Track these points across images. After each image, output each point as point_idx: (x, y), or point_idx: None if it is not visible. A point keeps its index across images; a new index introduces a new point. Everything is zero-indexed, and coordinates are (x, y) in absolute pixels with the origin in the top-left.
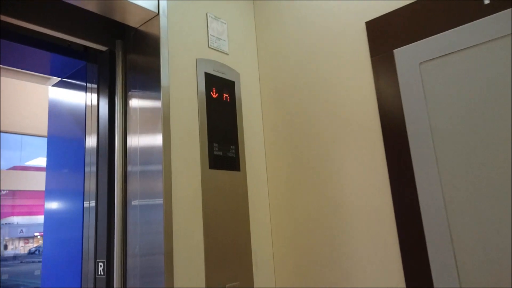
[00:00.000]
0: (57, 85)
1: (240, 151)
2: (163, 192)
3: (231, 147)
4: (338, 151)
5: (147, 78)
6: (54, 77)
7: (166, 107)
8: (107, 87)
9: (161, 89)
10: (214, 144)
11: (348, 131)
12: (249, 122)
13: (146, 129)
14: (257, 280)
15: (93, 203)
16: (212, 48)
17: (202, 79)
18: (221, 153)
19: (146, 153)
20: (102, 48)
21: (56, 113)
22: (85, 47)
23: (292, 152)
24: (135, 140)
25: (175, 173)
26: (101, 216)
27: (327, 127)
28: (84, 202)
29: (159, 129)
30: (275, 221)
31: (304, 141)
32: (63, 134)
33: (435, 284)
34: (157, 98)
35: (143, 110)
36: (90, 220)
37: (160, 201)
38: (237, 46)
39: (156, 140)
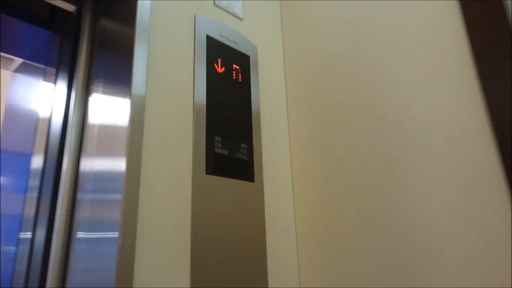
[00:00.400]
0: (18, 70)
1: (255, 152)
2: (121, 225)
3: (242, 145)
4: (411, 161)
5: (117, 60)
6: (16, 57)
7: (137, 112)
8: (66, 74)
9: (133, 82)
10: (216, 138)
11: (426, 129)
12: (269, 113)
13: (106, 148)
14: None
15: (29, 234)
16: (219, 7)
17: (203, 44)
18: (226, 153)
19: (103, 178)
20: (69, 7)
21: (10, 116)
22: (50, 9)
23: (331, 160)
24: (90, 162)
25: (148, 180)
26: (37, 249)
27: (389, 123)
28: (21, 232)
29: (122, 148)
30: (306, 262)
31: (354, 145)
32: (13, 148)
33: None
34: (125, 94)
35: (103, 125)
36: (25, 252)
37: (115, 234)
38: (255, 12)
39: (117, 164)
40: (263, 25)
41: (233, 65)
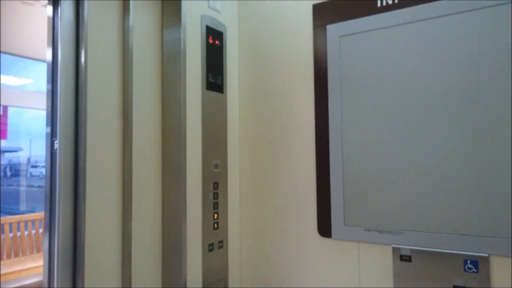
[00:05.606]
0: None
1: (224, 79)
2: None
3: (219, 77)
4: (293, 96)
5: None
6: None
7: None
8: None
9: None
10: (209, 74)
11: (295, 79)
12: (231, 59)
13: None
14: None
15: None
16: (210, 7)
17: (204, 29)
18: (213, 80)
19: None
20: None
21: None
22: None
23: (259, 84)
24: None
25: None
26: None
27: (285, 78)
28: None
29: None
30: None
31: (266, 72)
32: None
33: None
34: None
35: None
36: None
37: None
38: (226, 7)
39: None
40: (229, 14)
41: (216, 37)
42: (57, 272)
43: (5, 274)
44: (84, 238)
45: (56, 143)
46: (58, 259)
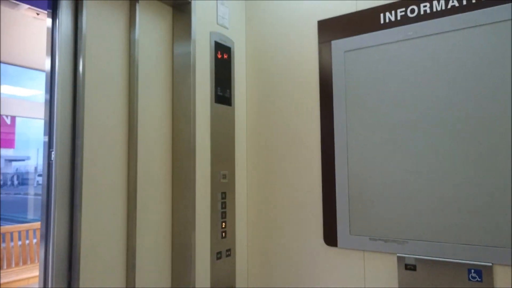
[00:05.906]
0: None
1: (232, 92)
2: None
3: (227, 90)
4: (295, 107)
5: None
6: None
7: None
8: None
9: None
10: (218, 88)
11: (301, 93)
12: (238, 73)
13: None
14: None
15: None
16: (219, 24)
17: (213, 44)
18: (221, 93)
19: None
20: None
21: None
22: None
23: (266, 91)
24: None
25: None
26: None
27: (291, 91)
28: None
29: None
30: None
31: (273, 85)
32: None
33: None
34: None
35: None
36: None
37: None
38: (233, 23)
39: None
40: (237, 30)
41: (224, 52)
42: (52, 283)
43: (14, 281)
44: (80, 248)
45: (53, 154)
46: (52, 269)
